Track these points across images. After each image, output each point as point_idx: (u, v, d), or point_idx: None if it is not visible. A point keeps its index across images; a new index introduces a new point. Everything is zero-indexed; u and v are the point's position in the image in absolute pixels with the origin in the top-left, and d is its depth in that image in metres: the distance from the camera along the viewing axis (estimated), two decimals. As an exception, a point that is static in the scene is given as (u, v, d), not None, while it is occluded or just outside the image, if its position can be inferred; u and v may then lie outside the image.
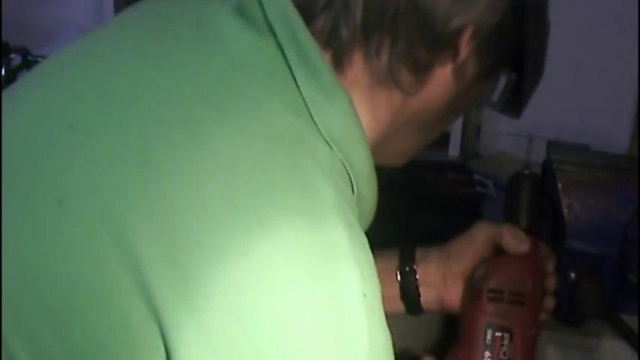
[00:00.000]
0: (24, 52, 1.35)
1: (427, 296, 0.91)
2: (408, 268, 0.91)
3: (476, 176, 1.42)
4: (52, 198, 0.56)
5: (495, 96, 0.77)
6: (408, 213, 1.30)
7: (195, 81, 0.59)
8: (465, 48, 0.67)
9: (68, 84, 0.63)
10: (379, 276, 0.65)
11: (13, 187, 0.57)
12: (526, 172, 0.96)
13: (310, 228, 0.55)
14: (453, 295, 0.90)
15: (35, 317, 0.55)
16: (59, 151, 0.58)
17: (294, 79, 0.61)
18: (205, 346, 0.51)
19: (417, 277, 0.91)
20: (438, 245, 0.94)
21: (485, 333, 0.80)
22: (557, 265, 0.94)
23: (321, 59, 0.62)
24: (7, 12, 1.43)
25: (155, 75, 0.60)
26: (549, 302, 0.91)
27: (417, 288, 0.91)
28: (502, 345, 0.80)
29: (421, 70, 0.67)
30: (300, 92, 0.61)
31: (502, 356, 0.80)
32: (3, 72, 1.33)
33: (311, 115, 0.61)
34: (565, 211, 1.00)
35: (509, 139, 1.53)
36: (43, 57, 1.31)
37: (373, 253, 0.63)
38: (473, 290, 0.84)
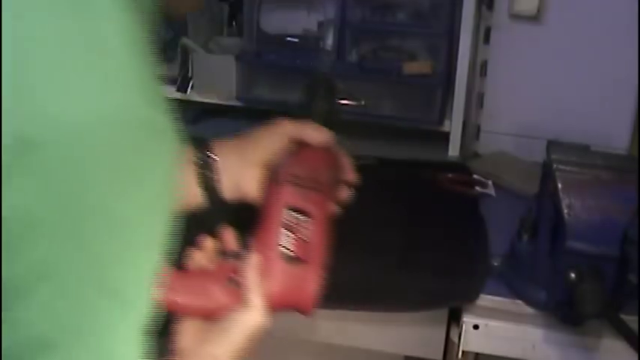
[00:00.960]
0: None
1: (226, 184, 0.90)
2: (205, 158, 0.91)
3: (476, 176, 1.42)
4: None
5: None
6: (408, 213, 1.30)
7: None
8: None
9: None
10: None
11: None
12: (321, 76, 1.00)
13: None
14: (249, 182, 0.90)
15: None
16: None
17: None
18: None
19: (215, 166, 0.90)
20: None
21: (287, 214, 0.82)
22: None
23: None
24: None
25: None
26: (344, 192, 0.94)
27: (215, 177, 0.90)
28: (303, 228, 0.82)
29: None
30: None
31: (305, 238, 0.82)
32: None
33: None
34: (565, 211, 1.00)
35: (509, 139, 1.53)
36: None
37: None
38: (275, 176, 0.86)
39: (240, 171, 0.90)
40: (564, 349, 1.09)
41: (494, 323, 1.10)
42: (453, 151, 1.49)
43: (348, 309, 1.16)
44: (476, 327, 1.11)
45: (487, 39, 1.48)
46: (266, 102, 1.53)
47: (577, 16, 1.43)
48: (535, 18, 1.43)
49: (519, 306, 1.10)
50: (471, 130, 1.55)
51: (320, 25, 1.49)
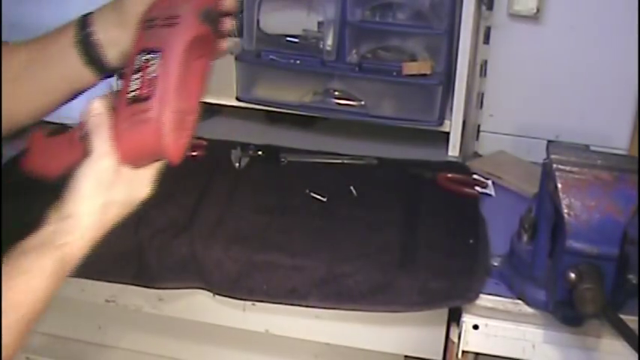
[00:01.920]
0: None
1: (111, 54, 0.90)
2: (84, 35, 0.90)
3: (476, 176, 1.42)
4: None
5: None
6: (408, 213, 1.30)
7: None
8: None
9: None
10: (54, 57, 0.79)
11: None
12: None
13: None
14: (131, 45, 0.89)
15: None
16: None
17: None
18: None
19: (97, 38, 0.90)
20: None
21: (137, 59, 0.81)
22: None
23: None
24: (7, 12, 1.43)
25: None
26: (227, 22, 0.92)
27: (99, 49, 0.90)
28: (150, 65, 0.80)
29: None
30: None
31: (150, 75, 0.79)
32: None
33: None
34: (565, 210, 1.00)
35: (509, 139, 1.53)
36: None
37: None
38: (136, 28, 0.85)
39: (122, 36, 0.89)
40: (564, 349, 1.09)
41: (494, 323, 1.10)
42: (453, 151, 1.49)
43: (348, 308, 1.16)
44: (476, 327, 1.11)
45: (487, 39, 1.48)
46: (266, 102, 1.53)
47: (577, 15, 1.43)
48: (535, 18, 1.43)
49: (519, 306, 1.10)
50: (471, 130, 1.55)
51: (320, 25, 1.49)
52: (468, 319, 1.11)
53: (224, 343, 1.35)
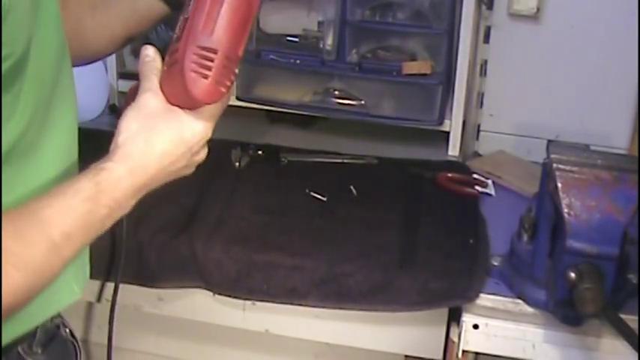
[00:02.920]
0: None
1: None
2: None
3: (476, 176, 1.42)
4: None
5: None
6: (408, 213, 1.30)
7: None
8: None
9: None
10: None
11: None
12: None
13: None
14: None
15: None
16: None
17: None
18: None
19: None
20: None
21: None
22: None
23: None
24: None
25: None
26: None
27: None
28: (190, 4, 0.78)
29: None
30: None
31: (186, 14, 0.78)
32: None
33: None
34: (565, 210, 1.00)
35: (509, 139, 1.53)
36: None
37: None
38: None
39: None
40: (564, 349, 1.09)
41: (494, 323, 1.10)
42: (453, 150, 1.49)
43: (348, 308, 1.16)
44: (476, 326, 1.11)
45: (487, 38, 1.48)
46: (266, 101, 1.53)
47: (576, 15, 1.43)
48: (535, 17, 1.43)
49: (519, 306, 1.10)
50: (471, 130, 1.55)
51: (320, 25, 1.49)
52: (468, 319, 1.11)
53: (224, 342, 1.35)
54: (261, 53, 1.50)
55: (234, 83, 0.88)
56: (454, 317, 1.15)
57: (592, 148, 1.14)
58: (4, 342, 0.78)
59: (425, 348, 1.20)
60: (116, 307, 1.21)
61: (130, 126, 0.77)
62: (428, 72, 1.45)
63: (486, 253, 1.19)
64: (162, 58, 0.82)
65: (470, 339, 1.11)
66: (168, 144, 0.78)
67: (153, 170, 0.77)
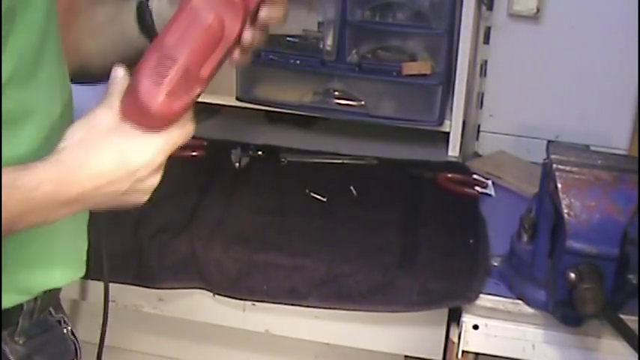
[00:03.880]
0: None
1: (158, 23, 0.89)
2: (140, 2, 0.89)
3: (476, 176, 1.42)
4: None
5: None
6: (408, 213, 1.30)
7: None
8: None
9: None
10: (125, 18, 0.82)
11: None
12: None
13: None
14: None
15: None
16: None
17: None
18: None
19: (150, 7, 0.89)
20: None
21: None
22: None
23: None
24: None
25: None
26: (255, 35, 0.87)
27: (151, 18, 0.88)
28: None
29: None
30: None
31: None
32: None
33: None
34: (565, 210, 1.00)
35: (509, 139, 1.53)
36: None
37: None
38: None
39: (171, 8, 0.87)
40: (564, 349, 1.09)
41: (494, 323, 1.10)
42: (453, 151, 1.49)
43: (348, 308, 1.16)
44: (476, 327, 1.11)
45: (487, 39, 1.48)
46: (266, 102, 1.53)
47: (576, 15, 1.43)
48: (535, 18, 1.43)
49: (519, 306, 1.10)
50: (471, 130, 1.55)
51: (320, 25, 1.49)
52: (468, 319, 1.11)
53: (224, 343, 1.35)
54: (261, 53, 1.50)
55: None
56: (454, 317, 1.15)
57: (592, 148, 1.14)
58: None
59: (425, 348, 1.20)
60: (116, 307, 1.21)
61: (73, 135, 0.74)
62: (428, 72, 1.45)
63: (486, 253, 1.19)
64: None
65: (470, 339, 1.11)
66: (106, 163, 0.74)
67: (84, 186, 0.74)
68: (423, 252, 1.19)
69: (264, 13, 0.85)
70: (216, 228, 1.22)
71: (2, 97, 0.72)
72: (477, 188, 1.38)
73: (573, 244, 0.99)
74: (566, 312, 1.04)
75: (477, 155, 1.55)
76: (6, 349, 0.84)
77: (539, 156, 1.13)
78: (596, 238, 0.98)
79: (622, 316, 0.99)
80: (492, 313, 1.11)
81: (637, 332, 0.98)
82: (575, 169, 1.03)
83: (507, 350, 1.11)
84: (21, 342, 0.86)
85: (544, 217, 1.07)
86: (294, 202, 1.32)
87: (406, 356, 1.25)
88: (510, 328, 1.10)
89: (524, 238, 1.11)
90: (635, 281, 1.07)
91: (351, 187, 1.35)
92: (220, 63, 0.79)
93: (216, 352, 1.37)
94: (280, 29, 1.51)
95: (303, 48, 1.50)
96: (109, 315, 1.24)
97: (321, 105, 1.51)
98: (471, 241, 1.21)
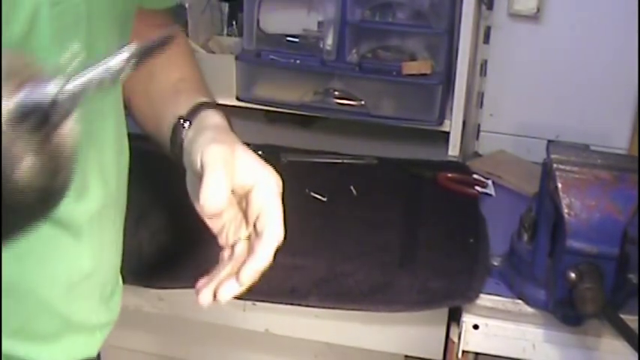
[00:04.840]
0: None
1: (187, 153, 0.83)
2: (183, 122, 0.84)
3: (476, 176, 1.42)
4: None
5: None
6: (408, 213, 1.30)
7: None
8: None
9: None
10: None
11: None
12: None
13: None
14: None
15: None
16: None
17: None
18: None
19: (183, 137, 0.83)
20: None
21: None
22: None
23: None
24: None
25: None
26: None
27: (182, 145, 0.83)
28: None
29: None
30: None
31: None
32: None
33: None
34: (565, 210, 1.00)
35: (509, 138, 1.53)
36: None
37: None
38: None
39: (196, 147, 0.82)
40: (564, 349, 1.09)
41: (494, 323, 1.10)
42: (453, 151, 1.49)
43: (348, 308, 1.16)
44: (476, 327, 1.11)
45: (487, 39, 1.48)
46: (266, 102, 1.53)
47: (577, 15, 1.43)
48: (535, 17, 1.43)
49: (519, 306, 1.10)
50: (471, 130, 1.55)
51: (320, 25, 1.49)
52: (468, 319, 1.11)
53: (224, 343, 1.35)
54: (261, 53, 1.50)
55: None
56: (454, 317, 1.15)
57: (592, 148, 1.14)
58: None
59: (425, 348, 1.20)
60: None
61: None
62: (428, 72, 1.45)
63: (486, 252, 1.19)
64: None
65: (470, 339, 1.11)
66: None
67: None
68: (423, 251, 1.19)
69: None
70: (216, 228, 1.22)
71: None
72: (477, 188, 1.38)
73: (573, 243, 0.99)
74: (566, 312, 1.04)
75: (477, 155, 1.55)
76: None
77: (540, 156, 1.13)
78: (596, 237, 0.98)
79: (622, 315, 0.99)
80: (492, 312, 1.11)
81: (637, 332, 0.98)
82: (575, 168, 1.03)
83: (507, 350, 1.11)
84: None
85: (544, 217, 1.07)
86: (293, 202, 1.31)
87: (406, 356, 1.25)
88: (510, 327, 1.10)
89: (525, 237, 1.11)
90: (635, 281, 1.07)
91: (351, 187, 1.35)
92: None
93: (216, 351, 1.37)
94: (280, 29, 1.52)
95: (303, 48, 1.50)
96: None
97: (321, 105, 1.51)
98: (471, 240, 1.21)
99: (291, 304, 1.17)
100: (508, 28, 1.46)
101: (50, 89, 0.47)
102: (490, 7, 1.45)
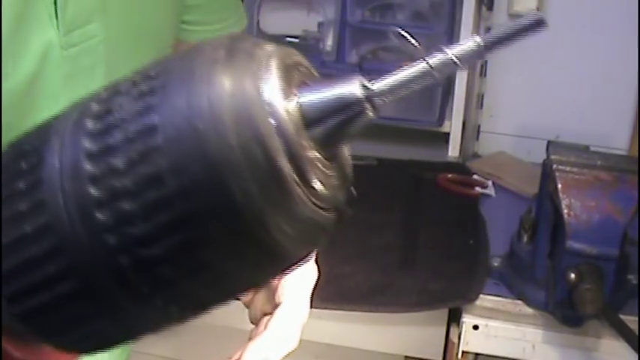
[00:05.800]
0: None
1: None
2: None
3: (476, 176, 1.42)
4: None
5: None
6: (408, 213, 1.30)
7: None
8: None
9: None
10: None
11: None
12: None
13: None
14: None
15: None
16: None
17: None
18: None
19: None
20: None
21: None
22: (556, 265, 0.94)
23: None
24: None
25: None
26: None
27: None
28: None
29: None
30: None
31: None
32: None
33: None
34: (565, 211, 1.00)
35: (509, 139, 1.53)
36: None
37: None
38: None
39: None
40: (564, 349, 1.09)
41: (494, 323, 1.10)
42: (453, 151, 1.49)
43: (348, 309, 1.16)
44: (476, 327, 1.11)
45: (487, 39, 1.48)
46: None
47: (576, 15, 1.43)
48: (535, 18, 1.43)
49: (519, 306, 1.10)
50: (471, 131, 1.55)
51: (320, 25, 1.49)
52: (468, 320, 1.11)
53: (224, 342, 1.35)
54: (261, 54, 1.50)
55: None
56: (454, 318, 1.15)
57: (592, 148, 1.14)
58: None
59: (425, 349, 1.20)
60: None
61: None
62: (428, 72, 1.45)
63: (486, 253, 1.19)
64: None
65: (470, 340, 1.11)
66: None
67: None
68: (423, 252, 1.19)
69: None
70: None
71: None
72: (477, 189, 1.38)
73: (573, 244, 0.99)
74: (566, 312, 1.04)
75: (477, 156, 1.55)
76: None
77: (539, 156, 1.13)
78: (596, 238, 0.98)
79: (622, 316, 0.99)
80: (492, 313, 1.11)
81: (637, 332, 0.98)
82: (575, 169, 1.03)
83: (507, 350, 1.11)
84: None
85: (544, 218, 1.07)
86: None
87: (406, 356, 1.25)
88: (510, 328, 1.10)
89: (524, 238, 1.11)
90: (635, 281, 1.07)
91: (351, 188, 1.35)
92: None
93: (217, 352, 1.36)
94: (280, 30, 1.52)
95: (303, 48, 1.50)
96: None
97: (321, 105, 1.51)
98: (471, 241, 1.21)
99: (291, 304, 1.17)
100: (508, 28, 1.46)
101: (353, 87, 0.38)
102: (490, 7, 1.45)
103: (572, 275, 0.97)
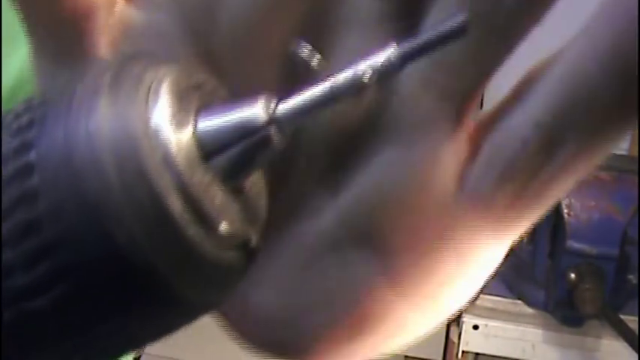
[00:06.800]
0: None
1: None
2: None
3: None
4: None
5: None
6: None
7: None
8: None
9: None
10: None
11: None
12: None
13: None
14: None
15: None
16: None
17: None
18: None
19: None
20: None
21: None
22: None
23: None
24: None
25: None
26: None
27: None
28: None
29: None
30: None
31: None
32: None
33: None
34: (565, 211, 1.00)
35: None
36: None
37: None
38: None
39: None
40: (564, 349, 1.09)
41: (494, 323, 1.10)
42: (453, 151, 1.49)
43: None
44: (476, 327, 1.11)
45: (487, 39, 1.48)
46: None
47: (577, 15, 1.43)
48: (535, 18, 1.43)
49: (519, 306, 1.10)
50: (471, 130, 1.55)
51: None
52: (467, 320, 1.11)
53: (224, 343, 1.35)
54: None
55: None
56: (454, 318, 1.15)
57: (592, 148, 1.14)
58: None
59: (425, 349, 1.20)
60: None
61: None
62: (428, 72, 1.45)
63: (486, 253, 1.19)
64: None
65: (469, 340, 1.11)
66: None
67: None
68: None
69: None
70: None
71: None
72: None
73: (573, 244, 0.99)
74: (566, 312, 1.04)
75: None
76: None
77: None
78: (596, 238, 0.98)
79: (622, 316, 0.99)
80: (492, 313, 1.11)
81: (637, 332, 0.98)
82: (575, 169, 1.03)
83: (507, 350, 1.11)
84: None
85: (544, 217, 1.07)
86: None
87: (406, 356, 1.25)
88: (510, 328, 1.10)
89: (524, 238, 1.11)
90: (635, 281, 1.07)
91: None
92: None
93: (217, 352, 1.36)
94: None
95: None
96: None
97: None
98: (471, 241, 1.21)
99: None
100: (508, 28, 1.46)
101: (256, 110, 0.31)
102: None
103: (572, 275, 0.97)
